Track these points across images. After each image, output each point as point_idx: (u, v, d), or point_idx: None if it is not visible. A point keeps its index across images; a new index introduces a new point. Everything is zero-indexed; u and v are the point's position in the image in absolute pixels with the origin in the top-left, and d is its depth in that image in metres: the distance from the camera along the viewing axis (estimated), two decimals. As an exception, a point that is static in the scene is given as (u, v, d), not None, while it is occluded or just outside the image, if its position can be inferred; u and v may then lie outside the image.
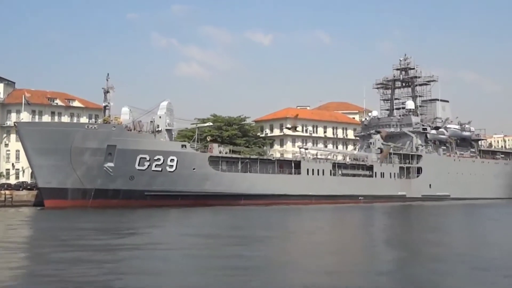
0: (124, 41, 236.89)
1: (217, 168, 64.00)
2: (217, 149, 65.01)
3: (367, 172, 78.53)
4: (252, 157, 67.89)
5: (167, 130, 61.99)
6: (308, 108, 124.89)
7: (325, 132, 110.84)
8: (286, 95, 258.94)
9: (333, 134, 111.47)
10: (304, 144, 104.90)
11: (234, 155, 66.49)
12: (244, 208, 57.96)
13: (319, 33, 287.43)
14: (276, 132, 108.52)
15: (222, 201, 61.42)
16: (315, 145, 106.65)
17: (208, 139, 71.19)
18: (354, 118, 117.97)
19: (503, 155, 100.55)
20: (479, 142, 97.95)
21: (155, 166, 59.34)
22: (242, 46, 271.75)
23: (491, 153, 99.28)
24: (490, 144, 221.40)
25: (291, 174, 70.63)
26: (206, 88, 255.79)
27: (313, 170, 72.61)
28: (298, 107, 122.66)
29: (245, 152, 74.99)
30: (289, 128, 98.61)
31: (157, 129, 61.84)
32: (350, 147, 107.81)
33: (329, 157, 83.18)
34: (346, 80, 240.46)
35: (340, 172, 75.56)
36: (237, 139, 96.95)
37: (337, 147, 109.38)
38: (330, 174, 74.28)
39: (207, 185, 62.33)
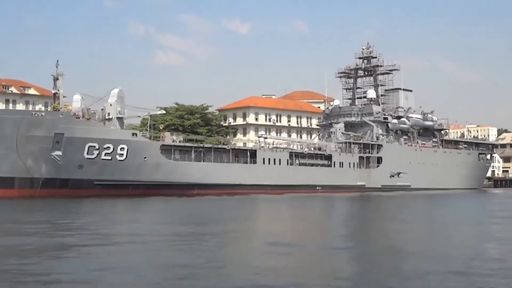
0: (101, 29, 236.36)
1: (170, 157, 64.75)
2: (169, 138, 65.74)
3: (326, 162, 79.96)
4: (206, 146, 68.74)
5: (118, 118, 62.42)
6: (273, 97, 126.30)
7: (289, 121, 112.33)
8: (257, 83, 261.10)
9: (297, 123, 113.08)
10: (268, 133, 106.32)
11: (187, 144, 67.30)
12: (197, 198, 58.76)
13: (297, 23, 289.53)
14: (239, 121, 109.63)
15: (175, 191, 62.17)
16: (278, 134, 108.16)
17: (161, 128, 71.95)
18: (319, 107, 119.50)
19: (466, 145, 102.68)
20: (442, 131, 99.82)
21: (105, 155, 59.90)
22: (219, 34, 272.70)
23: (453, 143, 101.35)
24: (463, 134, 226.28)
25: (246, 163, 71.59)
26: (182, 76, 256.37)
27: (269, 159, 73.76)
28: (264, 96, 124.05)
29: (208, 141, 75.93)
30: None
31: (107, 117, 62.26)
32: (315, 137, 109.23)
33: (290, 146, 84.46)
34: (316, 70, 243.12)
35: (297, 162, 76.82)
36: (199, 128, 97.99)
37: (301, 137, 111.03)
38: (287, 164, 75.51)
39: (159, 174, 63.07)
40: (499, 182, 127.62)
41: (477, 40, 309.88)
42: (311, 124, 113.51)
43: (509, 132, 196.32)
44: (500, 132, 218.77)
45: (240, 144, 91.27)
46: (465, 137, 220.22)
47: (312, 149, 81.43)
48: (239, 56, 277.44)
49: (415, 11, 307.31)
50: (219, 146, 70.55)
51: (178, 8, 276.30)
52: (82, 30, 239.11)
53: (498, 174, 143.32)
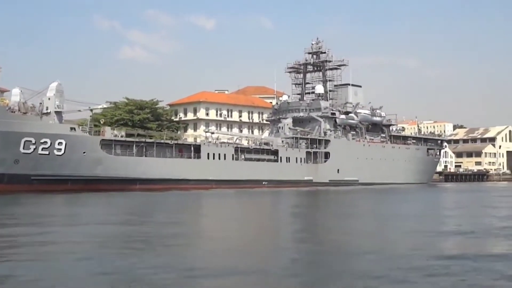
0: (65, 23, 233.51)
1: (111, 152, 64.65)
2: (109, 132, 65.55)
3: (272, 157, 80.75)
4: (148, 140, 68.75)
5: (56, 112, 62.00)
6: (226, 92, 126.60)
7: (240, 116, 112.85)
8: (214, 79, 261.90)
9: (249, 118, 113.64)
10: (219, 128, 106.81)
11: (128, 139, 67.23)
12: (138, 193, 58.75)
13: (262, 19, 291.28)
14: (190, 116, 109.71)
15: (116, 186, 62.16)
16: (230, 129, 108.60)
17: (102, 122, 71.72)
18: (271, 102, 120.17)
19: (414, 141, 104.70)
20: (391, 127, 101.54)
21: (42, 150, 59.51)
22: (185, 30, 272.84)
23: (402, 139, 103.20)
24: (420, 130, 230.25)
25: (190, 158, 71.86)
26: (146, 71, 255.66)
27: (214, 154, 74.15)
28: (216, 91, 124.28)
29: (157, 136, 75.86)
30: None
31: (45, 111, 61.77)
32: (264, 132, 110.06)
33: (237, 141, 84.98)
34: (272, 65, 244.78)
35: (243, 157, 77.38)
36: (149, 123, 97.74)
37: (252, 132, 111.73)
38: (232, 159, 76.01)
39: (99, 169, 62.94)
40: (450, 177, 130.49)
41: (438, 38, 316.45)
42: (262, 120, 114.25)
43: (465, 128, 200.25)
44: (456, 128, 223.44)
45: (190, 140, 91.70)
46: (422, 132, 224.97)
47: (259, 144, 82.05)
48: (203, 52, 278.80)
49: (378, 9, 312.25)
50: (162, 141, 70.61)
51: (144, 3, 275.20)
52: (46, 25, 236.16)
53: (450, 169, 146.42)
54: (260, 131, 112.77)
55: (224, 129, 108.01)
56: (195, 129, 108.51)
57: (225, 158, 75.24)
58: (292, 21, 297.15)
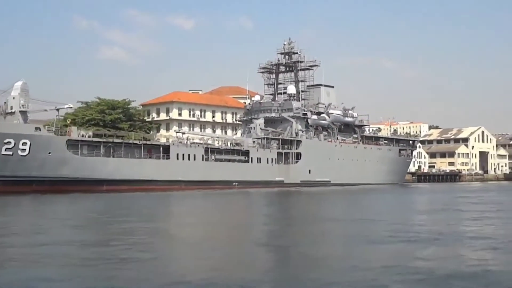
0: (44, 23, 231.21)
1: (77, 152, 63.84)
2: (75, 132, 64.73)
3: (243, 157, 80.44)
4: (116, 141, 68.02)
5: (21, 112, 61.12)
6: (200, 92, 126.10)
7: (213, 116, 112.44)
8: (190, 79, 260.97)
9: (222, 118, 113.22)
10: (192, 129, 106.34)
11: (95, 139, 66.48)
12: (105, 194, 58.15)
13: (242, 19, 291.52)
14: (163, 116, 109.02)
15: (82, 187, 61.47)
16: (203, 130, 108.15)
17: (68, 122, 70.88)
18: (245, 103, 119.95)
19: (386, 141, 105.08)
20: (365, 127, 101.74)
21: (5, 150, 58.61)
22: (164, 29, 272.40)
23: (374, 139, 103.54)
24: (395, 131, 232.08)
25: (159, 159, 71.28)
26: (124, 71, 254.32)
27: (183, 155, 73.63)
28: (190, 91, 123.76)
29: (129, 136, 75.16)
30: None
31: (10, 111, 60.83)
32: (235, 132, 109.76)
33: (209, 141, 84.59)
34: (248, 65, 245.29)
35: (213, 157, 76.97)
36: (120, 123, 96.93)
37: (226, 132, 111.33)
38: (202, 159, 75.57)
39: (65, 170, 62.13)
40: (423, 177, 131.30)
41: (415, 40, 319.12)
42: (236, 120, 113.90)
43: (440, 128, 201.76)
44: (431, 128, 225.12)
45: (163, 140, 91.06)
46: (398, 133, 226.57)
47: (229, 144, 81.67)
48: (181, 52, 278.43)
49: (356, 11, 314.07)
50: (130, 141, 69.92)
51: (123, 2, 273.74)
52: (24, 24, 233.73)
53: (424, 169, 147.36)
54: (234, 131, 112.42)
55: (197, 129, 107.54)
56: (167, 129, 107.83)
57: (194, 159, 74.77)
58: (271, 22, 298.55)
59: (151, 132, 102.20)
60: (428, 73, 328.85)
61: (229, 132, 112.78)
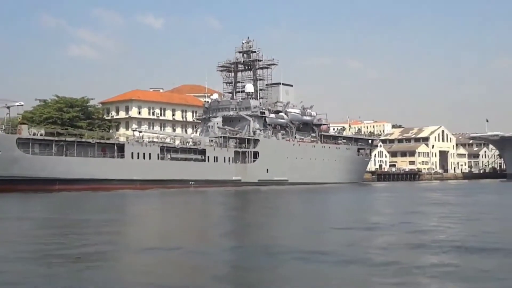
0: (10, 21, 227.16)
1: (28, 151, 63.17)
2: (26, 131, 64.04)
3: (199, 156, 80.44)
4: (68, 139, 67.46)
5: (-30, 110, 60.24)
6: (161, 90, 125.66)
7: (173, 115, 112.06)
8: (157, 77, 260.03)
9: (183, 117, 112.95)
10: (151, 127, 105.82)
11: (47, 137, 65.81)
12: (56, 194, 57.60)
13: (210, 19, 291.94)
14: (122, 114, 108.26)
15: (34, 186, 60.84)
16: (163, 128, 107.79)
17: (18, 120, 70.06)
18: (206, 101, 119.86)
19: (345, 140, 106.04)
20: (321, 126, 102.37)
21: (-47, 149, 57.69)
22: (133, 29, 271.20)
23: (332, 138, 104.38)
24: (359, 130, 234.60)
25: (114, 158, 70.89)
26: (92, 70, 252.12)
27: (138, 154, 73.38)
28: (151, 90, 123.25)
29: (89, 135, 74.53)
30: None
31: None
32: (193, 131, 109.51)
33: (167, 140, 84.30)
34: (210, 64, 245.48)
35: (169, 156, 76.80)
36: (79, 121, 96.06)
37: (186, 131, 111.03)
38: (158, 158, 75.37)
39: (16, 169, 61.47)
40: (382, 176, 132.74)
41: (380, 41, 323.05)
42: (197, 118, 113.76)
43: (403, 127, 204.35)
44: (394, 127, 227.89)
45: (122, 139, 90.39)
46: (362, 132, 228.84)
47: (186, 143, 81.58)
48: (149, 51, 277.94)
49: (324, 11, 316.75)
50: (83, 140, 69.36)
51: (92, 1, 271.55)
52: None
53: (385, 168, 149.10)
54: (194, 130, 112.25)
55: (157, 128, 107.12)
56: (127, 127, 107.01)
57: (150, 158, 74.58)
58: (239, 22, 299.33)
59: (111, 131, 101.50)
60: (393, 73, 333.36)
61: (190, 130, 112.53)
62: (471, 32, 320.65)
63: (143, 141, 78.48)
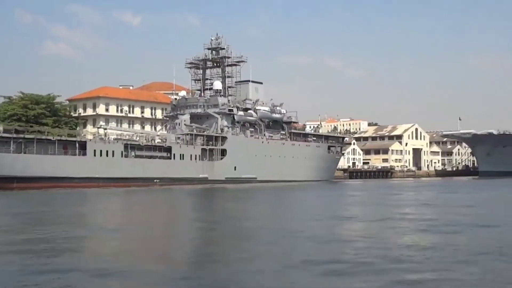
0: None
1: (-16, 148, 62.04)
2: (-19, 128, 62.82)
3: (165, 154, 79.66)
4: (27, 136, 66.33)
5: None
6: (131, 87, 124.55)
7: (142, 112, 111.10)
8: (131, 74, 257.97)
9: (152, 114, 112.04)
10: (119, 125, 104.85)
11: (5, 134, 64.63)
12: (14, 192, 56.59)
13: (189, 16, 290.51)
14: (89, 111, 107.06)
15: (-9, 184, 59.70)
16: (131, 126, 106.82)
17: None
18: (175, 98, 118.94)
19: (315, 138, 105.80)
20: (291, 124, 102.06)
21: None
22: (111, 26, 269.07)
23: (302, 136, 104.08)
24: (335, 128, 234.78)
25: (75, 155, 69.88)
26: (70, 67, 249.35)
27: (101, 151, 72.43)
28: (121, 87, 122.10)
29: (50, 132, 73.33)
30: None
31: None
32: (160, 128, 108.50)
33: (134, 137, 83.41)
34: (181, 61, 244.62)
35: (133, 154, 75.94)
36: (44, 118, 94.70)
37: (155, 128, 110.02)
38: (122, 156, 74.48)
39: (-28, 167, 60.23)
40: (354, 174, 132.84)
41: (360, 40, 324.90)
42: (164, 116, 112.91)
43: (378, 125, 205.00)
44: (370, 125, 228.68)
45: (89, 137, 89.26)
46: (338, 130, 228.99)
47: (151, 141, 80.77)
48: (126, 48, 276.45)
49: (306, 11, 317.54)
50: (44, 137, 68.22)
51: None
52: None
53: (358, 166, 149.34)
54: (162, 127, 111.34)
55: (125, 125, 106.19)
56: (94, 125, 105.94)
57: (113, 156, 73.66)
58: (219, 19, 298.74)
59: (78, 128, 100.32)
60: (372, 72, 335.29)
61: (159, 127, 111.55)
62: (446, 31, 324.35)
63: (108, 138, 77.60)
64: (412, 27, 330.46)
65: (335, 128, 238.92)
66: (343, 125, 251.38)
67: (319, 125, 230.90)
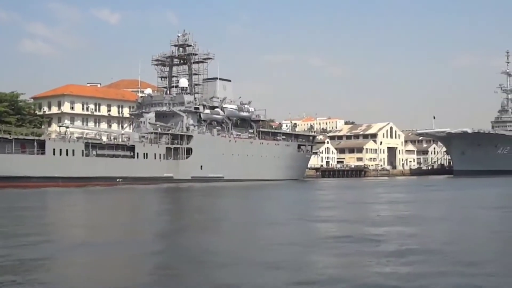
0: None
1: None
2: None
3: (128, 153, 79.37)
4: (-17, 136, 65.77)
5: None
6: (98, 85, 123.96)
7: (109, 110, 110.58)
8: (100, 71, 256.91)
9: (119, 112, 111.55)
10: (85, 123, 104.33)
11: (-42, 134, 64.02)
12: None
13: (168, 14, 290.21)
14: (54, 110, 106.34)
15: None
16: (97, 124, 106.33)
17: None
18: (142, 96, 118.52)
19: (284, 137, 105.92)
20: (260, 122, 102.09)
21: None
22: (89, 23, 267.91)
23: (271, 135, 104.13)
24: (311, 126, 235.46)
25: (33, 154, 69.39)
26: (47, 65, 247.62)
27: (60, 150, 71.97)
28: (88, 84, 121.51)
29: (16, 132, 72.68)
30: None
31: None
32: (126, 126, 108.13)
33: (97, 136, 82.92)
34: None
35: (94, 153, 75.54)
36: (7, 116, 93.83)
37: (122, 127, 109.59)
38: (82, 155, 74.07)
39: None
40: (327, 173, 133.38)
41: (342, 39, 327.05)
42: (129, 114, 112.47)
43: (355, 124, 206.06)
44: (347, 124, 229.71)
45: (53, 136, 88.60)
46: (314, 128, 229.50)
47: (113, 139, 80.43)
48: (103, 46, 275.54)
49: (287, 8, 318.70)
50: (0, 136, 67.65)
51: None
52: None
53: (332, 164, 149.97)
54: (127, 126, 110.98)
55: (91, 124, 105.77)
56: (59, 123, 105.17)
57: (73, 154, 73.21)
58: (198, 17, 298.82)
59: (42, 127, 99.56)
60: (351, 71, 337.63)
61: (126, 126, 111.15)
62: (422, 31, 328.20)
63: (70, 137, 77.10)
64: (390, 26, 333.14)
65: (312, 126, 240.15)
66: (320, 124, 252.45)
67: (295, 123, 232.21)
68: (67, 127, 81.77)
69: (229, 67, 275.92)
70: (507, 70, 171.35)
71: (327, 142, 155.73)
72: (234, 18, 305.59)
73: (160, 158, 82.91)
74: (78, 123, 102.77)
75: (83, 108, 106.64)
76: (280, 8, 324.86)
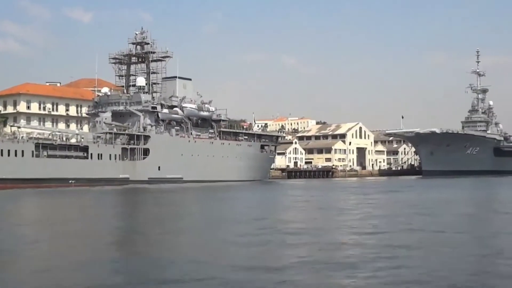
0: None
1: None
2: None
3: (81, 154, 78.83)
4: None
5: None
6: (58, 84, 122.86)
7: (67, 110, 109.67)
8: (64, 70, 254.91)
9: (77, 112, 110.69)
10: (42, 123, 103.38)
11: None
12: None
13: (141, 13, 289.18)
14: (10, 109, 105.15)
15: None
16: (55, 124, 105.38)
17: None
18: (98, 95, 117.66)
19: (246, 137, 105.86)
20: (221, 122, 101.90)
21: None
22: (61, 22, 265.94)
23: (233, 135, 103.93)
24: (282, 127, 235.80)
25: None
26: (19, 65, 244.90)
27: (8, 151, 71.27)
28: (47, 83, 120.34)
29: None
30: None
31: None
32: (81, 126, 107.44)
33: (50, 136, 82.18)
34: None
35: (45, 153, 74.89)
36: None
37: (82, 127, 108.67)
38: (33, 155, 73.38)
39: None
40: (293, 173, 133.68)
41: (314, 37, 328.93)
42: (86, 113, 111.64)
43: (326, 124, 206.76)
44: (318, 124, 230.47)
45: (7, 137, 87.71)
46: (286, 129, 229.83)
47: (66, 139, 79.82)
48: (74, 45, 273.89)
49: (259, 8, 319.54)
50: None
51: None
52: None
53: (300, 165, 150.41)
54: (82, 126, 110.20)
55: (48, 123, 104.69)
56: (15, 123, 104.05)
57: (22, 155, 72.47)
58: (173, 16, 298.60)
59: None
60: (324, 70, 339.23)
61: (85, 126, 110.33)
62: (391, 30, 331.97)
63: (22, 137, 76.34)
64: (361, 26, 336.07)
65: (283, 127, 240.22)
66: (291, 124, 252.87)
67: (266, 124, 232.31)
68: (19, 127, 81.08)
69: (199, 66, 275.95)
70: (478, 70, 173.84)
71: (295, 143, 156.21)
72: (208, 18, 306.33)
73: (115, 159, 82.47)
74: (34, 123, 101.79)
75: (40, 108, 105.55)
76: (253, 7, 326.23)
